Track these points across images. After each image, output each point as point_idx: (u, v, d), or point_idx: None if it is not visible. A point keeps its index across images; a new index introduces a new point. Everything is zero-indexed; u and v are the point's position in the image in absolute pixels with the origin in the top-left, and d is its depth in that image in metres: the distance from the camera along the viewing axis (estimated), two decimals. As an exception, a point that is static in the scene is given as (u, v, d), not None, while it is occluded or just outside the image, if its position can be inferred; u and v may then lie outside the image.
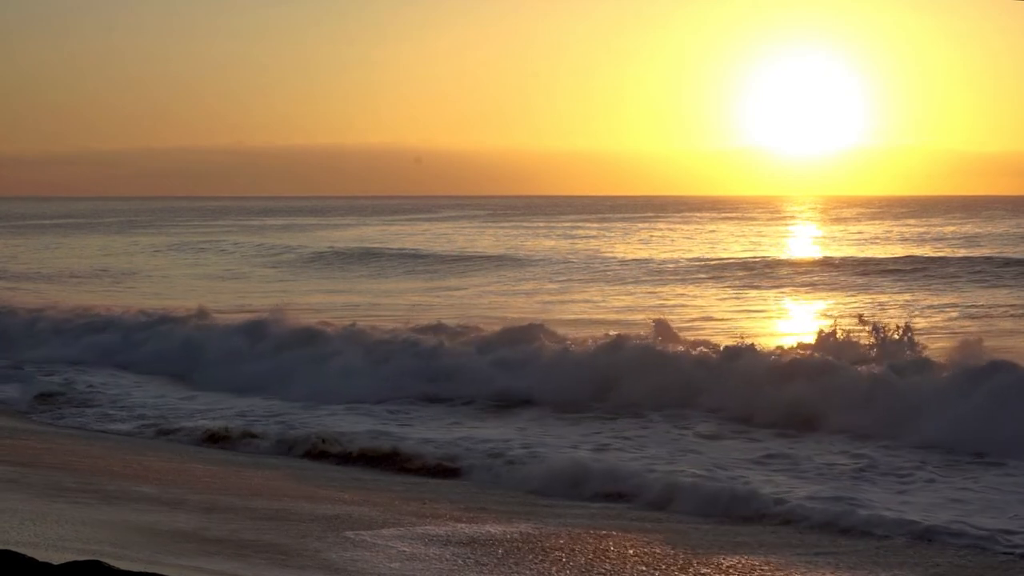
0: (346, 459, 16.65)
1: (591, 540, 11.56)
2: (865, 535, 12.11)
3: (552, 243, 75.25)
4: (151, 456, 16.28)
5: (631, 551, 11.17)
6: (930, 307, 35.45)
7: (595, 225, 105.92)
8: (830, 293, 40.84)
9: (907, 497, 13.75)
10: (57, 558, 7.61)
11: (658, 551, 11.21)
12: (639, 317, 31.43)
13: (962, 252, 59.03)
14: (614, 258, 59.07)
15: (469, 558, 10.66)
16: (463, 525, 12.06)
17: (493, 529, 11.90)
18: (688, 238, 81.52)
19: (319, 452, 17.08)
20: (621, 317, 33.41)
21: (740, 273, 48.44)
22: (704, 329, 30.26)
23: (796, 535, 12.17)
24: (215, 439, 18.07)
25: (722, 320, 33.38)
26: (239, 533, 11.11)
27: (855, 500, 13.26)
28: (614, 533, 11.97)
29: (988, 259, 50.68)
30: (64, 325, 29.64)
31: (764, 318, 34.81)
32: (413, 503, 13.31)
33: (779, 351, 22.05)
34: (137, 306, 34.48)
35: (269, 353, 24.97)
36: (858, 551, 11.53)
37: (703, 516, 13.04)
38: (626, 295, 41.45)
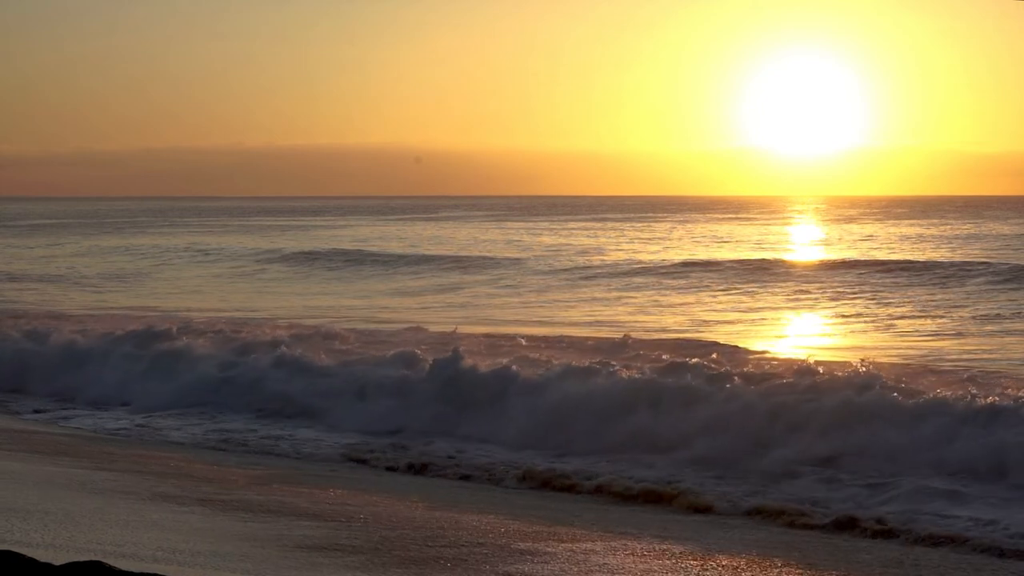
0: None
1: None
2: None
3: (553, 243, 75.16)
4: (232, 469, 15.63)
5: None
6: (936, 308, 35.32)
7: (597, 226, 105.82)
8: (850, 295, 40.31)
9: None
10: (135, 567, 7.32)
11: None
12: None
13: (962, 253, 58.99)
14: (617, 260, 58.93)
15: (676, 569, 10.36)
16: (657, 543, 11.56)
17: (695, 547, 11.43)
18: (689, 238, 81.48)
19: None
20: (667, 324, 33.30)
21: (744, 274, 48.27)
22: (710, 333, 30.21)
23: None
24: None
25: (733, 324, 33.30)
26: (399, 547, 10.58)
27: None
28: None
29: (988, 262, 50.51)
30: (43, 329, 29.19)
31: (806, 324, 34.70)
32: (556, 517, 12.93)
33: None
34: (136, 308, 34.31)
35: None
36: None
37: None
38: (633, 296, 41.30)
